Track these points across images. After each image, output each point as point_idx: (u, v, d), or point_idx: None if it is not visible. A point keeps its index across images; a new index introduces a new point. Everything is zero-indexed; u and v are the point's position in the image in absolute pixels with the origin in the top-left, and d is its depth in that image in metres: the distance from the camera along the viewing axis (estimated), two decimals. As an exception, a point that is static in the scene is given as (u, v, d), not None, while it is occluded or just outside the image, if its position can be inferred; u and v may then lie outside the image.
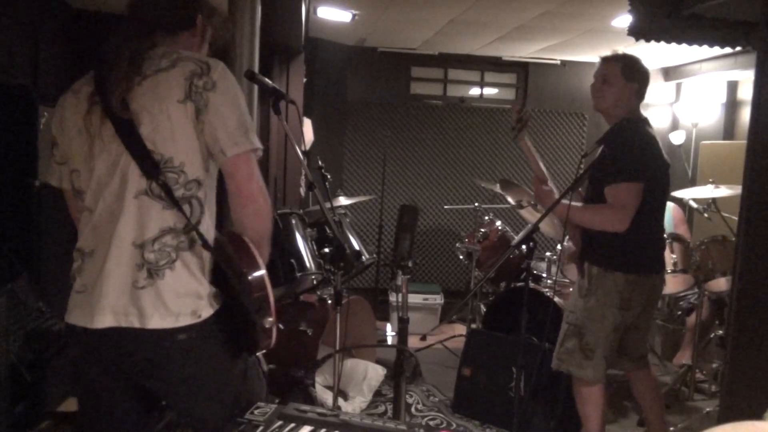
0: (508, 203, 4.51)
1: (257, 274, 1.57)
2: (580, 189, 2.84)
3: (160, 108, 1.51)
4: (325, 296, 3.56)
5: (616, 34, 4.60)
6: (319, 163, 3.50)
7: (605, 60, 2.74)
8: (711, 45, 2.93)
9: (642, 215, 2.55)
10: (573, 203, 2.63)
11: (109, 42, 1.58)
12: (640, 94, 2.72)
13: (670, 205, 4.43)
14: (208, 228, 1.59)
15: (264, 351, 1.66)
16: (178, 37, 1.66)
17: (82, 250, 1.59)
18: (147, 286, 1.50)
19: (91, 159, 1.56)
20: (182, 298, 1.52)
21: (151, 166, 1.51)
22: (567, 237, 3.92)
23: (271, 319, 1.56)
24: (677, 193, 4.31)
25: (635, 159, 2.55)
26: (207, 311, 1.54)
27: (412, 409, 3.59)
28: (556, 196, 2.70)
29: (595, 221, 2.63)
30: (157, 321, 1.49)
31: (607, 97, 2.70)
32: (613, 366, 2.91)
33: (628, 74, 2.68)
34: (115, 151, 1.54)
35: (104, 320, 1.50)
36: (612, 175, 2.55)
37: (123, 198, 1.52)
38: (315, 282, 3.37)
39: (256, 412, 1.42)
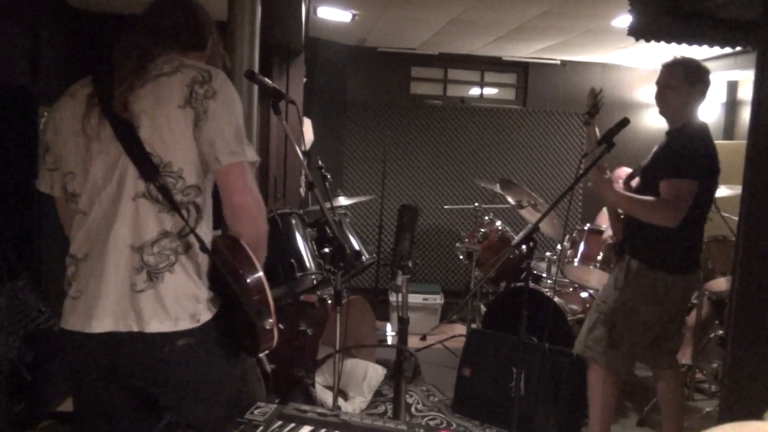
0: (508, 203, 4.52)
1: (255, 276, 1.57)
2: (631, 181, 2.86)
3: (160, 112, 1.50)
4: (325, 296, 3.56)
5: (616, 34, 4.60)
6: (319, 163, 3.50)
7: (667, 66, 2.74)
8: (711, 45, 2.92)
9: (693, 215, 2.56)
10: (628, 193, 2.66)
11: (119, 44, 1.58)
12: (703, 96, 2.73)
13: None
14: (205, 232, 1.59)
15: (266, 352, 1.66)
16: (187, 55, 1.66)
17: (75, 255, 1.57)
18: (146, 290, 1.49)
19: (87, 161, 1.55)
20: (181, 302, 1.51)
21: (150, 168, 1.50)
22: (567, 237, 3.95)
23: (271, 320, 1.56)
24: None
25: (695, 157, 2.56)
26: (206, 315, 1.54)
27: (412, 409, 3.59)
28: (615, 187, 2.70)
29: (648, 213, 2.60)
30: (156, 324, 1.49)
31: (673, 102, 2.71)
32: (644, 360, 2.92)
33: (691, 78, 2.69)
34: (113, 153, 1.53)
35: (102, 324, 1.49)
36: (670, 169, 2.55)
37: (120, 200, 1.51)
38: (315, 282, 3.37)
39: (256, 412, 1.42)
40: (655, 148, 2.78)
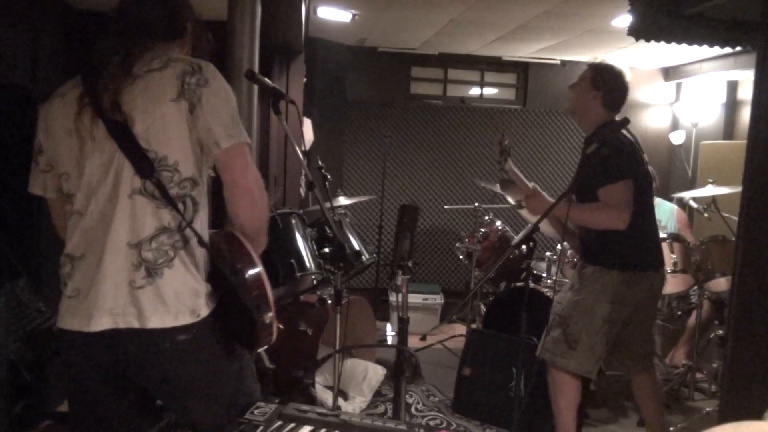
0: (508, 203, 4.51)
1: (254, 270, 1.57)
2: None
3: (153, 107, 1.51)
4: (325, 296, 3.56)
5: (616, 34, 4.60)
6: (319, 163, 3.50)
7: (587, 66, 2.79)
8: (711, 45, 2.92)
9: (636, 212, 2.56)
10: (574, 204, 2.64)
11: (101, 44, 1.58)
12: (607, 102, 2.72)
13: (674, 208, 4.44)
14: (202, 226, 1.59)
15: (265, 347, 1.66)
16: (169, 45, 1.66)
17: (71, 255, 1.57)
18: (146, 286, 1.50)
19: (81, 161, 1.55)
20: (181, 297, 1.52)
21: (145, 164, 1.50)
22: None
23: (270, 314, 1.57)
24: (678, 194, 4.30)
25: (623, 158, 2.57)
26: (205, 310, 1.55)
27: (412, 409, 3.59)
28: (547, 197, 2.76)
29: (598, 220, 2.62)
30: (156, 320, 1.49)
31: (572, 101, 2.79)
32: (615, 366, 2.91)
33: (595, 81, 2.72)
34: (108, 151, 1.53)
35: (102, 323, 1.49)
36: (604, 176, 2.56)
37: (116, 198, 1.52)
38: (315, 282, 3.37)
39: (256, 412, 1.42)
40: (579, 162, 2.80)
